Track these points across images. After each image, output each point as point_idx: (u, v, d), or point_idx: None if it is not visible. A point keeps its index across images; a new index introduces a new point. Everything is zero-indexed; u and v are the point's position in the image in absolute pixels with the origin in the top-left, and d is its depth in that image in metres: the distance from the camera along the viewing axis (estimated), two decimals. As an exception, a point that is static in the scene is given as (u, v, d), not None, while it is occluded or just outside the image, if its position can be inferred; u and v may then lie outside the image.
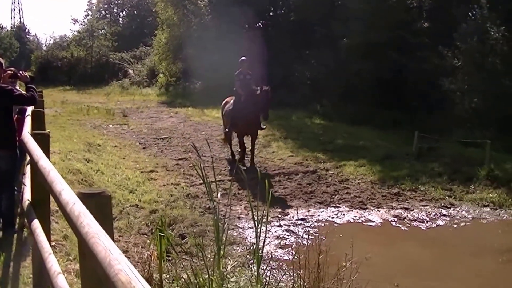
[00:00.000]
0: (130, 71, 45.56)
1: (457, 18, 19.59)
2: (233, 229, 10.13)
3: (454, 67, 18.98)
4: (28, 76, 9.30)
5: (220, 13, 32.53)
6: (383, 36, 22.66)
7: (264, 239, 7.36)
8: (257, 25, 32.57)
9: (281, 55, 29.36)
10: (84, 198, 3.19)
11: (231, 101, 16.00)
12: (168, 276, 7.28)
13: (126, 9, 63.42)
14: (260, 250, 7.03)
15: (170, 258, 7.91)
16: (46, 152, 5.77)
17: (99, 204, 3.18)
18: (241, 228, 10.46)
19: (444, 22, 21.17)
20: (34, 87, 7.91)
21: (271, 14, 33.52)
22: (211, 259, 6.92)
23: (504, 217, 12.03)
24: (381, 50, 22.75)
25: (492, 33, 18.14)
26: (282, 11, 32.51)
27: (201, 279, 6.36)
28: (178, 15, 35.78)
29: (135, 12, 61.18)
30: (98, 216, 2.96)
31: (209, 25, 33.32)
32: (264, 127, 16.22)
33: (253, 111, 14.87)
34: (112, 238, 2.86)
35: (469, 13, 19.58)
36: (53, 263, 4.52)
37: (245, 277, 7.01)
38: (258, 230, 7.17)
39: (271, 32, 31.64)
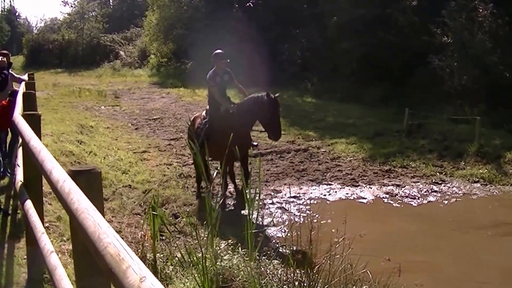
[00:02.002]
0: (121, 52, 45.42)
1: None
2: (226, 207, 10.24)
3: (443, 44, 19.01)
4: (5, 61, 9.34)
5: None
6: (371, 13, 22.67)
7: (257, 216, 7.45)
8: (247, 4, 32.48)
9: (270, 34, 29.35)
10: (74, 175, 3.18)
11: (202, 116, 11.24)
12: (162, 255, 7.32)
13: (117, -10, 63.20)
14: (253, 228, 7.10)
15: (163, 238, 7.97)
16: (38, 132, 5.80)
17: (89, 181, 3.19)
18: (233, 206, 10.56)
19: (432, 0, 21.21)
20: (6, 72, 7.89)
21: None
22: (205, 238, 6.98)
23: (494, 193, 12.16)
24: (370, 28, 22.76)
25: (481, 10, 18.18)
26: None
27: (194, 258, 6.42)
28: (168, -5, 35.81)
29: (125, -7, 60.91)
30: (88, 193, 2.97)
31: (198, 5, 33.34)
32: (256, 144, 11.79)
33: (245, 124, 10.52)
34: (102, 213, 2.90)
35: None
36: (46, 242, 4.55)
37: (238, 255, 7.05)
38: (251, 208, 7.27)
39: (260, 11, 31.56)
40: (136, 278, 1.96)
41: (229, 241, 7.88)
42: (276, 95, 10.46)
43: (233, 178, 11.05)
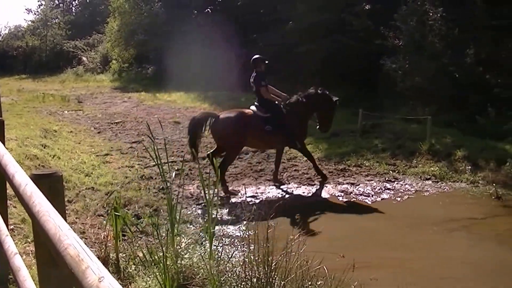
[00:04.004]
0: (84, 58, 45.54)
1: (398, 0, 19.98)
2: (186, 208, 10.44)
3: (395, 47, 19.36)
4: None
5: (169, 0, 32.67)
6: (328, 18, 22.98)
7: (216, 216, 7.64)
8: (206, 10, 32.66)
9: (230, 39, 29.52)
10: (36, 179, 3.30)
11: (253, 112, 12.64)
12: (124, 255, 7.44)
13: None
14: (212, 227, 7.28)
15: (126, 238, 8.10)
16: (1, 137, 5.90)
17: (51, 184, 3.28)
18: (193, 206, 10.76)
19: (385, 4, 21.54)
20: None
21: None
22: (166, 237, 7.15)
23: (445, 189, 12.50)
24: (327, 32, 23.08)
25: (431, 13, 18.55)
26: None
27: (156, 257, 6.57)
28: (129, 2, 36.13)
29: (87, 0, 60.67)
30: (50, 196, 3.06)
31: (158, 12, 33.50)
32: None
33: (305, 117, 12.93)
34: (64, 215, 3.01)
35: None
36: (10, 244, 4.67)
37: (199, 253, 7.22)
38: (210, 208, 7.46)
39: (219, 17, 31.74)
40: (95, 278, 2.09)
41: (190, 240, 8.07)
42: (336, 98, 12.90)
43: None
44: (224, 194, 11.72)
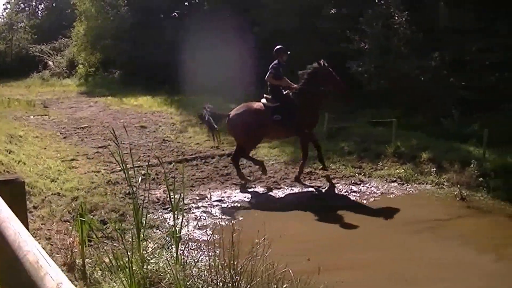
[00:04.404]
0: (50, 63, 45.15)
1: (363, 4, 20.14)
2: (152, 212, 10.39)
3: (361, 51, 19.50)
4: None
5: (136, 4, 32.57)
6: (294, 22, 23.08)
7: (182, 221, 7.63)
8: (173, 14, 32.63)
9: (196, 43, 29.51)
10: None
11: (262, 104, 13.28)
12: (90, 260, 7.42)
13: (44, 2, 62.33)
14: (179, 232, 7.29)
15: (92, 243, 8.06)
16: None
17: (12, 190, 3.28)
18: (160, 211, 10.72)
19: (350, 8, 21.71)
20: None
21: (186, 4, 33.58)
22: (132, 243, 7.13)
23: (411, 191, 12.60)
24: (293, 36, 23.14)
25: (396, 17, 18.73)
26: (197, 1, 32.62)
27: (122, 262, 6.56)
28: (96, 6, 35.85)
29: (54, 4, 60.14)
30: (11, 202, 3.07)
31: (125, 16, 33.37)
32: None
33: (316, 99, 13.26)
34: (26, 221, 3.00)
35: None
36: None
37: (165, 258, 7.22)
38: (176, 212, 7.46)
39: (186, 21, 31.74)
40: (53, 284, 2.08)
41: (156, 244, 8.06)
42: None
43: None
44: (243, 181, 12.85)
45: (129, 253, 6.37)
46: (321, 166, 13.70)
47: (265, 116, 12.96)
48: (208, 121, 13.48)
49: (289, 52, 13.39)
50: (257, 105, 13.34)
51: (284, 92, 13.24)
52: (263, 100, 13.29)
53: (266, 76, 13.29)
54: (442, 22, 18.05)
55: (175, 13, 33.01)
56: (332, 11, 22.57)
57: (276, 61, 13.18)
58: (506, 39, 16.62)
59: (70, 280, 2.16)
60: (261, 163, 13.41)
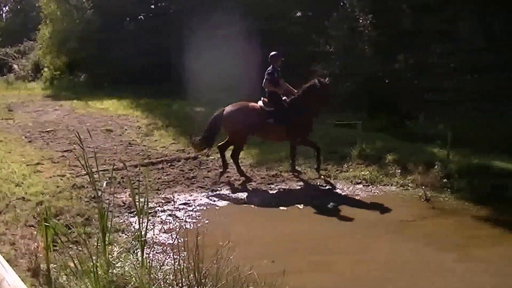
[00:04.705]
0: (15, 66, 44.62)
1: (329, 7, 20.26)
2: (118, 216, 10.34)
3: (326, 53, 19.60)
4: None
5: (101, 7, 32.40)
6: (261, 25, 23.15)
7: (147, 224, 7.62)
8: (139, 17, 32.51)
9: (162, 46, 29.49)
10: None
11: (259, 106, 13.81)
12: (55, 265, 7.37)
13: (9, 4, 61.80)
14: (144, 236, 7.27)
15: (57, 248, 8.00)
16: None
17: None
18: (126, 215, 10.68)
19: (316, 11, 21.82)
20: None
21: (152, 6, 33.52)
22: (98, 247, 7.10)
23: (376, 193, 12.71)
24: (259, 39, 23.24)
25: (361, 20, 18.88)
26: (163, 4, 32.56)
27: (87, 267, 6.52)
28: (61, 9, 35.44)
29: (19, 7, 59.65)
30: None
31: (91, 19, 33.18)
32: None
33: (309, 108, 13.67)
34: None
35: (340, 3, 20.25)
36: None
37: (130, 262, 7.19)
38: (141, 216, 7.44)
39: (152, 23, 31.67)
40: None
41: (122, 248, 8.03)
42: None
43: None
44: (244, 179, 13.46)
45: (94, 258, 6.34)
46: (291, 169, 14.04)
47: (259, 118, 13.49)
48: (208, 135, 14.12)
49: (283, 59, 13.99)
50: (252, 105, 13.87)
51: (282, 98, 13.74)
52: (260, 103, 13.80)
53: (263, 83, 13.79)
54: (406, 25, 18.22)
55: (141, 16, 32.87)
56: (298, 14, 22.64)
57: (270, 67, 13.71)
58: (467, 42, 16.84)
59: (34, 285, 2.17)
60: (224, 169, 13.73)
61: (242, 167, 14.08)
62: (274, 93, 13.68)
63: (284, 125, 13.53)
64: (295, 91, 13.80)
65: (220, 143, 14.08)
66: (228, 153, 14.02)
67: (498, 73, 16.55)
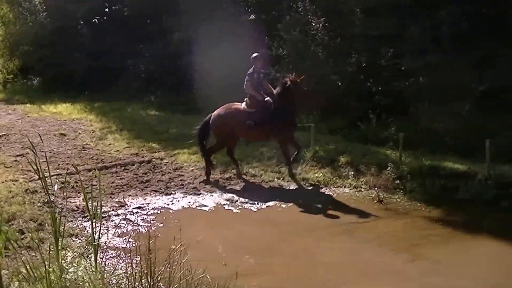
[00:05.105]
0: (-34, 69, 43.94)
1: (282, 11, 20.35)
2: (71, 221, 10.29)
3: (279, 57, 19.67)
4: None
5: (55, 10, 32.06)
6: (214, 28, 23.12)
7: (100, 229, 7.59)
8: (93, 21, 32.21)
9: (116, 49, 29.31)
10: None
11: (243, 107, 13.95)
12: (7, 271, 7.30)
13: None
14: (97, 240, 7.25)
15: (9, 254, 7.93)
16: None
17: None
18: (79, 219, 10.62)
19: (268, 14, 21.90)
20: None
21: (106, 10, 33.28)
22: (51, 252, 7.04)
23: (329, 195, 12.84)
24: (213, 41, 23.22)
25: (313, 24, 18.98)
26: (117, 7, 32.34)
27: (39, 272, 6.47)
28: (14, 12, 34.96)
29: (-31, 10, 58.66)
30: None
31: (44, 22, 32.79)
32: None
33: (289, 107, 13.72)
34: None
35: (293, 6, 20.29)
36: None
37: (83, 267, 7.16)
38: (95, 220, 7.41)
39: (106, 27, 31.44)
40: None
41: (76, 253, 7.99)
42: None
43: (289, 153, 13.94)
44: (206, 177, 13.71)
45: (47, 263, 6.31)
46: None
47: (241, 119, 13.69)
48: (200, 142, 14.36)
49: (261, 61, 14.07)
50: (236, 106, 14.12)
51: (266, 99, 13.75)
52: (243, 104, 13.97)
53: (244, 85, 13.84)
54: (358, 28, 18.40)
55: (95, 20, 32.58)
56: (251, 17, 22.68)
57: (251, 69, 13.85)
58: (416, 44, 17.08)
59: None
60: (209, 171, 13.96)
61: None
62: (253, 96, 13.76)
63: (264, 126, 13.61)
64: (274, 92, 13.88)
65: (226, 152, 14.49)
66: (235, 153, 14.54)
67: (447, 74, 16.82)
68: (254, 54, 14.10)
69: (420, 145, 15.03)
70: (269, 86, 14.12)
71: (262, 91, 13.85)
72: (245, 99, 13.99)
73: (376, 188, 12.84)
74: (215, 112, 14.22)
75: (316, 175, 13.86)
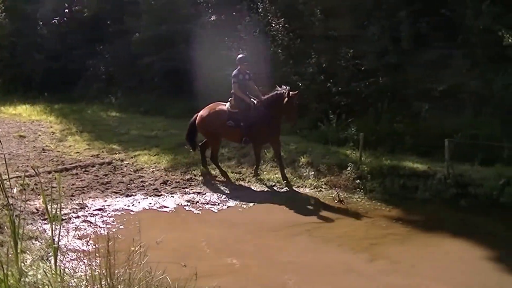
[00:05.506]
0: None
1: (242, 12, 20.36)
2: (31, 223, 10.19)
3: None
4: None
5: (13, 11, 31.73)
6: (173, 29, 23.11)
7: (60, 231, 7.55)
8: (52, 21, 31.90)
9: (76, 50, 29.14)
10: None
11: (226, 108, 13.96)
12: (-38, 276, 7.24)
13: None
14: (57, 243, 7.20)
15: (-37, 258, 7.85)
16: None
17: None
18: (39, 222, 10.53)
19: (229, 15, 21.89)
20: None
21: (66, 11, 32.98)
22: (10, 255, 6.99)
23: (289, 195, 12.92)
24: (171, 43, 23.21)
25: (274, 24, 19.04)
26: (77, 8, 32.09)
27: (-3, 276, 6.42)
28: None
29: None
30: None
31: (2, 23, 32.40)
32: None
33: (275, 116, 13.51)
34: None
35: (253, 7, 20.31)
36: None
37: (43, 270, 7.11)
38: (54, 223, 7.36)
39: (66, 28, 31.21)
40: None
41: (35, 256, 7.93)
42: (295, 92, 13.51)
43: (259, 158, 14.18)
44: (224, 178, 13.92)
45: (5, 266, 6.26)
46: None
47: (223, 119, 13.80)
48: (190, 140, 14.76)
49: (246, 63, 13.96)
50: (221, 107, 14.16)
51: (254, 102, 13.79)
52: (228, 104, 13.98)
53: (233, 87, 13.76)
54: (318, 29, 18.50)
55: (55, 20, 32.27)
56: (211, 18, 22.67)
57: (236, 70, 13.85)
58: (376, 45, 17.24)
59: None
60: (204, 166, 14.43)
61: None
62: (239, 97, 13.73)
63: (241, 128, 13.65)
64: (261, 97, 13.79)
65: (201, 143, 14.69)
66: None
67: (406, 74, 17.01)
68: (239, 56, 14.18)
69: (380, 145, 15.15)
70: (256, 88, 14.06)
71: (248, 93, 13.86)
72: (229, 100, 13.97)
73: (336, 188, 12.94)
74: (200, 112, 14.32)
75: (277, 175, 13.90)
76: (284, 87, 13.53)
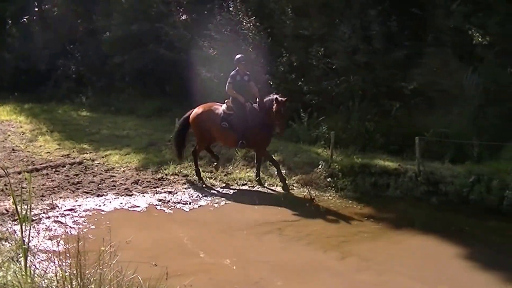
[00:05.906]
0: None
1: (213, 11, 20.34)
2: (1, 224, 10.11)
3: (210, 57, 19.65)
4: None
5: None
6: (143, 28, 23.02)
7: (30, 232, 7.51)
8: (22, 20, 31.66)
9: (46, 49, 28.92)
10: None
11: (221, 109, 13.64)
12: None
13: None
14: (27, 243, 7.16)
15: None
16: None
17: None
18: (9, 223, 10.45)
19: (200, 14, 21.85)
20: None
21: (35, 9, 32.76)
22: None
23: (261, 194, 13.02)
24: (142, 42, 23.12)
25: (245, 23, 19.03)
26: (47, 7, 31.87)
27: (-34, 278, 6.38)
28: None
29: None
30: None
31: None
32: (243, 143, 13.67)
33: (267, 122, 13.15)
34: None
35: (224, 5, 20.27)
36: None
37: (13, 271, 7.07)
38: (25, 223, 7.32)
39: (35, 26, 30.98)
40: None
41: (5, 257, 7.87)
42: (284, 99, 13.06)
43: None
44: (198, 180, 13.78)
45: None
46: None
47: (217, 120, 13.54)
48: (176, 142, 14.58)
49: (244, 62, 13.65)
50: (216, 107, 13.85)
51: (251, 104, 13.57)
52: (224, 106, 13.64)
53: (226, 87, 13.51)
54: (289, 28, 18.55)
55: (24, 19, 32.03)
56: (182, 17, 22.61)
57: (234, 71, 13.53)
58: (347, 44, 17.33)
59: None
60: (216, 159, 14.33)
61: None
62: (235, 99, 13.44)
63: (236, 131, 13.37)
64: (257, 100, 13.46)
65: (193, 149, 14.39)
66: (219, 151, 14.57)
67: (377, 73, 17.12)
68: (238, 56, 13.74)
69: (351, 143, 15.27)
70: (256, 90, 13.75)
71: (245, 94, 13.63)
72: (225, 101, 13.67)
73: (307, 187, 13.03)
74: (195, 109, 14.07)
75: (248, 174, 13.98)
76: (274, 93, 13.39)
